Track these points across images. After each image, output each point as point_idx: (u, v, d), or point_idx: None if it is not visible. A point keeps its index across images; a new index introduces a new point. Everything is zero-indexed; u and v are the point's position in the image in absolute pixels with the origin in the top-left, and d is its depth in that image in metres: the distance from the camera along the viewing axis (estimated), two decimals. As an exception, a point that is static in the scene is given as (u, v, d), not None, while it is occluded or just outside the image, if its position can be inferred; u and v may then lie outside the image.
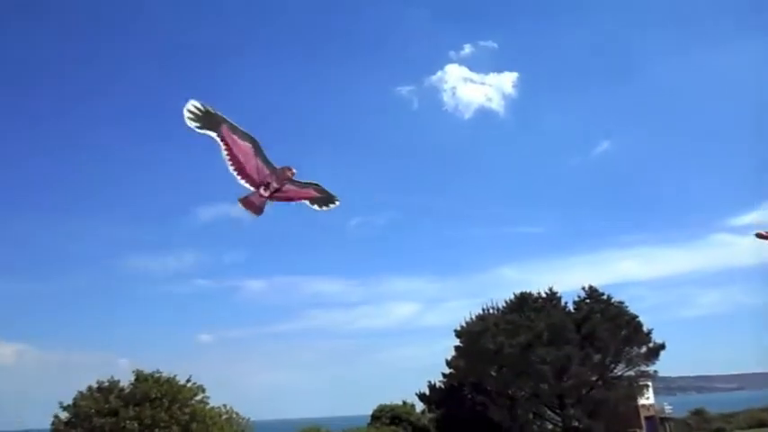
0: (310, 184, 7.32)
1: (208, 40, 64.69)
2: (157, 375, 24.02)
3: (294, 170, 7.02)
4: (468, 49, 52.44)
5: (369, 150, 58.47)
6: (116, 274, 51.76)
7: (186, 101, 6.78)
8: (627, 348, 28.78)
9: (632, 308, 30.13)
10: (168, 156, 59.74)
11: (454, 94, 52.58)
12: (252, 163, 6.80)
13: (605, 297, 30.38)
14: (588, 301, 30.58)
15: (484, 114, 52.10)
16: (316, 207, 7.51)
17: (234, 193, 7.10)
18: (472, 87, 51.38)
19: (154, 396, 23.10)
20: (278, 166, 6.95)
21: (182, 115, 6.82)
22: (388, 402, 34.79)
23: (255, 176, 6.84)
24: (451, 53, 63.83)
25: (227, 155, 6.69)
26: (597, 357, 28.16)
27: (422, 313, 53.97)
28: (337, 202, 7.61)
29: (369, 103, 60.21)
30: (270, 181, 6.90)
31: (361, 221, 55.98)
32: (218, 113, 6.59)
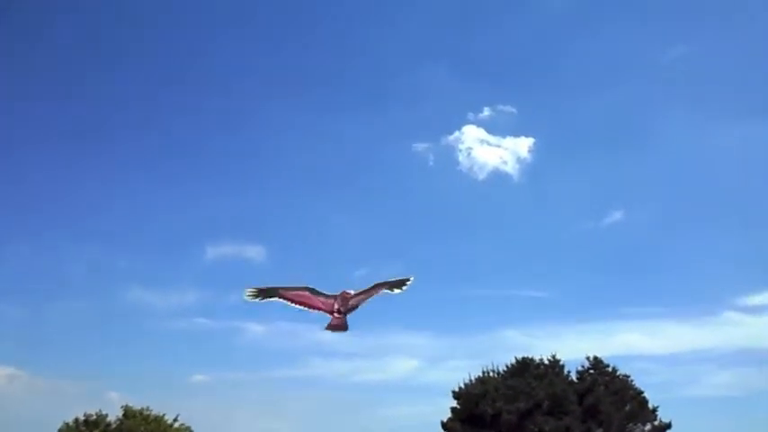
0: (374, 287, 8.49)
1: (228, 90, 66.01)
2: (146, 413, 23.72)
3: (351, 291, 8.37)
4: (486, 111, 53.82)
5: (380, 203, 59.36)
6: (115, 304, 51.63)
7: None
8: (630, 425, 27.78)
9: (638, 382, 29.33)
10: (184, 190, 60.45)
11: (470, 154, 53.62)
12: (316, 302, 8.38)
13: (610, 369, 29.57)
14: (592, 371, 29.76)
15: (498, 176, 53.01)
16: (396, 291, 8.59)
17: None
18: (488, 149, 52.49)
19: (139, 433, 22.74)
20: (337, 293, 8.39)
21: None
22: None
23: (324, 308, 8.42)
24: (470, 114, 65.59)
25: (296, 304, 8.37)
26: (599, 431, 27.20)
27: (422, 370, 53.26)
28: (410, 282, 8.58)
29: (384, 158, 61.39)
30: (338, 306, 8.40)
31: (367, 272, 56.35)
32: (271, 286, 8.30)
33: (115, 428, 23.39)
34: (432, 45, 67.05)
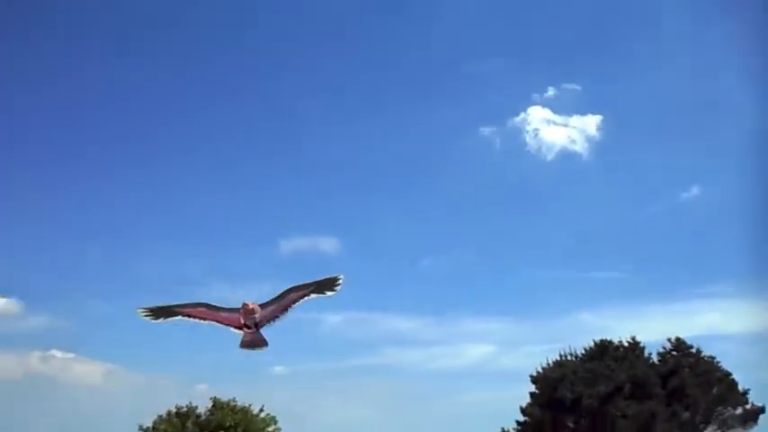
0: (283, 293, 8.06)
1: (303, 77, 66.73)
2: (233, 404, 24.66)
3: (251, 303, 7.94)
4: (551, 91, 52.75)
5: (449, 189, 59.17)
6: (195, 300, 53.25)
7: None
8: (719, 408, 26.75)
9: (724, 364, 28.15)
10: (256, 187, 61.77)
11: (537, 135, 52.74)
12: (219, 316, 8.06)
13: (694, 350, 28.52)
14: (675, 353, 28.79)
15: (567, 156, 51.84)
16: (328, 293, 8.07)
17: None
18: (555, 129, 51.44)
19: (228, 424, 23.69)
20: (238, 307, 7.99)
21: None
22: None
23: (230, 323, 8.05)
24: (535, 95, 64.37)
25: (198, 320, 8.10)
26: (685, 416, 26.31)
27: (497, 355, 52.96)
28: (338, 285, 8.10)
29: (451, 142, 61.07)
30: (243, 320, 7.97)
31: (437, 260, 56.67)
32: (166, 305, 8.11)
33: (205, 419, 24.42)
34: (491, 32, 65.57)
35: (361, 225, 62.86)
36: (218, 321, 8.15)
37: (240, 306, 8.05)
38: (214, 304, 8.24)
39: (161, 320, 8.11)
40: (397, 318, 55.65)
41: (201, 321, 8.16)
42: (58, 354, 46.13)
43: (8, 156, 62.80)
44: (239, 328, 8.13)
